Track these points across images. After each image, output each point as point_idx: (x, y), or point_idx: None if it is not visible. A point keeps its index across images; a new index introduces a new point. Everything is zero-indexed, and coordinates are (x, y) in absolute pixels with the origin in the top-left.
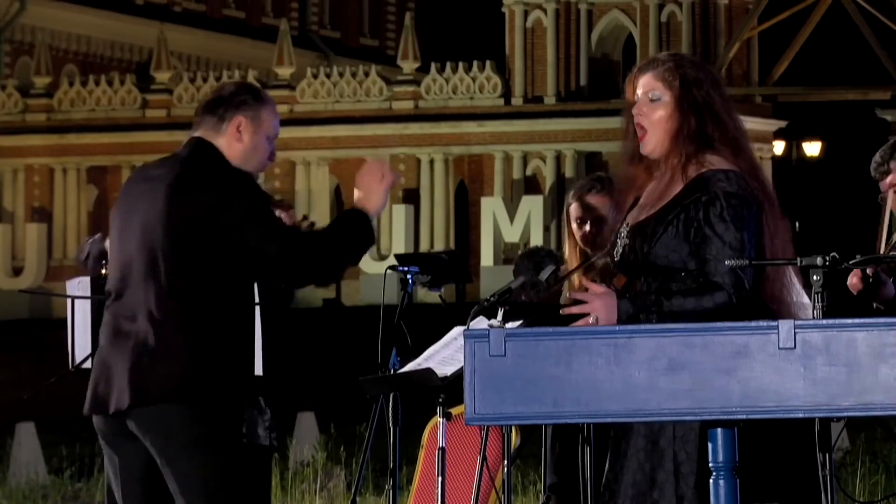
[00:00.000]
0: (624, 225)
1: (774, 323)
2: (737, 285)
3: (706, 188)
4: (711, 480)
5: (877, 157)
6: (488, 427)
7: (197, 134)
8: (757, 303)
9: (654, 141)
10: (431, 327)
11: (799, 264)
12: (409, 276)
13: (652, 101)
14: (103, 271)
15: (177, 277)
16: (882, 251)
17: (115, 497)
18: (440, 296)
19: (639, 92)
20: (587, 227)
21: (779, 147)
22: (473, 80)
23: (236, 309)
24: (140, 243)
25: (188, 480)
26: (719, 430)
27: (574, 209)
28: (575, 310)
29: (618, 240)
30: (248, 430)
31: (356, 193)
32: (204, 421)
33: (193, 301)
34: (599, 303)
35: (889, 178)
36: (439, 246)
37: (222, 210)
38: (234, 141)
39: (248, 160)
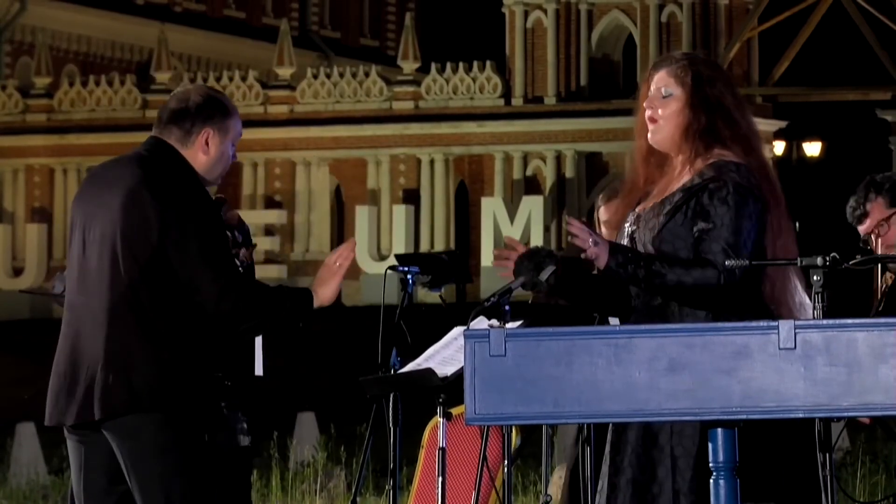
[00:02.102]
0: (631, 214)
1: (775, 323)
2: (728, 268)
3: (716, 176)
4: (712, 480)
5: (851, 203)
6: (488, 427)
7: (160, 137)
8: (757, 303)
9: (664, 134)
10: (431, 327)
11: (799, 264)
12: (409, 277)
13: (664, 96)
14: None
15: (136, 284)
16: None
17: (76, 490)
18: (440, 296)
19: (652, 88)
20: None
21: (779, 147)
22: (474, 80)
23: (197, 314)
24: (99, 251)
25: (150, 487)
26: (720, 430)
27: (602, 213)
28: (575, 228)
29: (624, 228)
30: (228, 436)
31: (316, 281)
32: (170, 428)
33: (153, 308)
34: (595, 249)
35: (867, 222)
36: (439, 246)
37: (171, 225)
38: (200, 153)
39: (214, 168)
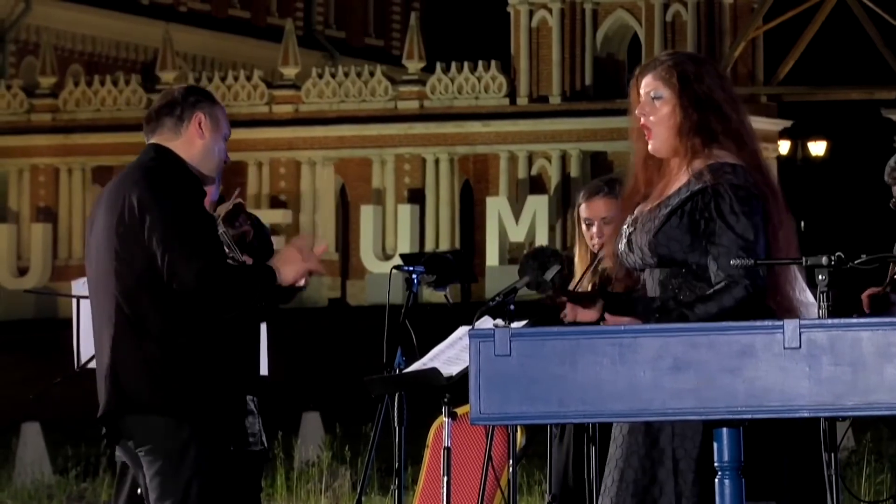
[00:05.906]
0: (630, 217)
1: (780, 322)
2: (751, 275)
3: (713, 179)
4: (717, 480)
5: (892, 162)
6: (493, 427)
7: (153, 140)
8: (760, 302)
9: (660, 139)
10: (436, 327)
11: (804, 264)
12: (414, 276)
13: (654, 100)
14: None
15: (129, 288)
16: None
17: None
18: (445, 295)
19: (642, 93)
20: (594, 229)
21: (784, 147)
22: (479, 79)
23: (196, 315)
24: (97, 256)
25: (162, 492)
26: (724, 429)
27: (582, 210)
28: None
29: (622, 232)
30: (239, 439)
31: (277, 258)
32: (183, 434)
33: (151, 311)
34: (628, 319)
35: None
36: (444, 246)
37: (149, 210)
38: (196, 138)
39: (207, 159)
